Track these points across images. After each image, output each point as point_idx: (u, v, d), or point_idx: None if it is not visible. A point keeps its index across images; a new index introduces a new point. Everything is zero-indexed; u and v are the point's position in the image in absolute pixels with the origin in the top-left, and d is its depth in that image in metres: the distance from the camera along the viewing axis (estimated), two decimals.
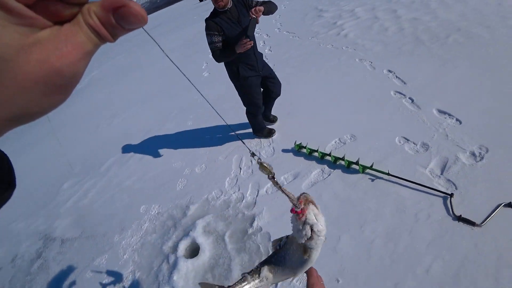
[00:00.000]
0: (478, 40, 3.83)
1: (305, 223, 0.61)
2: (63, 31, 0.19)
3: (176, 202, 2.98)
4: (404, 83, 3.47)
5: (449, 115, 2.83)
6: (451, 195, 2.11)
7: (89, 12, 0.19)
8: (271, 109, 3.40)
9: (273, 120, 3.53)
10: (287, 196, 0.63)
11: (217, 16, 2.38)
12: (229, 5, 2.37)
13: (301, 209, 0.61)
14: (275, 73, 3.06)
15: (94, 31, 0.19)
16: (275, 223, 2.39)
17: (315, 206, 0.63)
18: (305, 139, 3.01)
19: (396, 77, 3.62)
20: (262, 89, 3.03)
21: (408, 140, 2.71)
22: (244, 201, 2.69)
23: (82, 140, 5.44)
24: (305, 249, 0.66)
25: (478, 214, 1.97)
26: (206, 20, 2.42)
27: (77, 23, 0.19)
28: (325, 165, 2.73)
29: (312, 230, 0.61)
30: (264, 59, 5.88)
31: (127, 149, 4.32)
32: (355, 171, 2.56)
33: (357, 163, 2.53)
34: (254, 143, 3.32)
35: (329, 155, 2.71)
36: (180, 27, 14.95)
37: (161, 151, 3.90)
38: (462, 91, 3.06)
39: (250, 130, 3.42)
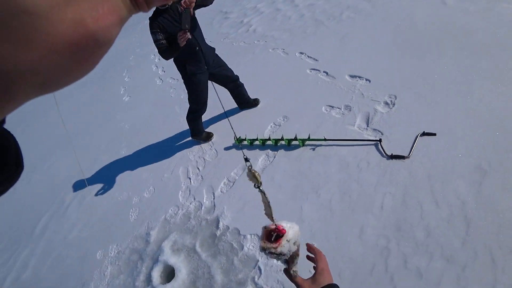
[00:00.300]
0: (365, 13, 4.41)
1: (289, 242, 0.65)
2: None
3: (134, 234, 2.74)
4: (316, 60, 3.80)
5: (359, 77, 3.20)
6: (380, 140, 2.39)
7: None
8: (243, 94, 3.32)
9: (255, 103, 3.44)
10: (269, 214, 0.67)
11: (159, 14, 2.36)
12: (169, 2, 2.30)
13: (282, 229, 0.65)
14: None
15: None
16: (240, 217, 2.38)
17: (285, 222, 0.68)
18: (243, 132, 3.07)
19: (308, 56, 3.94)
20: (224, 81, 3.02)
21: (332, 106, 2.97)
22: (203, 208, 2.61)
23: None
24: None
25: (404, 148, 2.28)
26: (149, 19, 2.39)
27: None
28: (268, 150, 2.82)
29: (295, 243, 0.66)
30: None
31: (60, 199, 3.78)
32: (296, 147, 2.71)
33: (296, 139, 2.69)
34: (195, 150, 3.25)
35: (269, 139, 2.82)
36: None
37: (100, 188, 3.53)
38: (364, 55, 3.49)
39: (189, 139, 3.35)
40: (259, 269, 2.00)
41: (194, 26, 2.44)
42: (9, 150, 0.23)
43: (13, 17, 0.14)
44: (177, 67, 2.75)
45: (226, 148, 3.10)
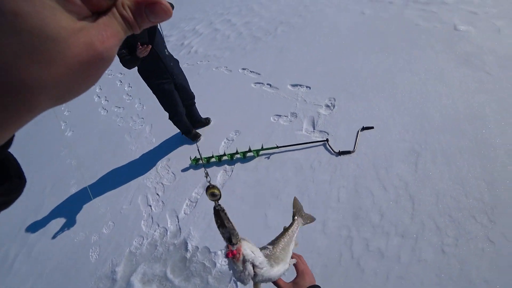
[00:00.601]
0: (297, 26, 4.77)
1: (244, 261, 0.58)
2: (102, 20, 0.21)
3: (97, 274, 2.53)
4: (259, 74, 3.99)
5: (300, 85, 3.44)
6: (327, 140, 2.59)
7: (123, 5, 0.22)
8: (195, 114, 3.36)
9: (207, 122, 3.48)
10: (232, 233, 0.58)
11: None
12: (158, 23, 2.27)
13: (236, 248, 0.58)
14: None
15: (126, 21, 0.22)
16: (207, 235, 2.36)
17: (247, 240, 0.61)
18: (196, 151, 3.07)
19: (251, 71, 4.12)
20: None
21: (280, 115, 3.14)
22: (169, 233, 2.54)
23: None
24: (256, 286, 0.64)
25: (348, 144, 2.50)
26: None
27: (112, 14, 0.21)
28: (225, 165, 2.87)
29: (253, 265, 0.59)
30: (126, 96, 5.65)
31: (3, 255, 3.34)
32: (252, 158, 2.80)
33: (250, 150, 2.77)
34: (152, 177, 3.16)
35: (225, 155, 2.87)
36: None
37: (50, 234, 3.19)
38: (301, 65, 3.76)
39: (143, 166, 3.26)
40: (235, 283, 2.00)
41: (153, 38, 2.44)
42: (10, 163, 0.25)
43: (41, 43, 0.17)
44: (142, 78, 2.76)
45: (183, 170, 3.07)
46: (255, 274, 0.59)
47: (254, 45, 4.83)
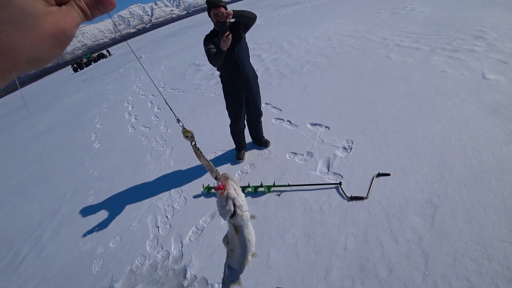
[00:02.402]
0: (322, 66, 4.89)
1: (227, 197, 0.65)
2: (64, 8, 0.29)
3: (96, 287, 2.55)
4: (280, 110, 4.07)
5: (319, 125, 3.45)
6: (340, 183, 2.53)
7: None
8: (257, 130, 3.40)
9: (266, 143, 3.45)
10: (210, 169, 0.69)
11: (214, 35, 2.67)
12: (228, 26, 2.55)
13: (223, 184, 0.66)
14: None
15: (81, 10, 0.30)
16: (208, 265, 2.32)
17: (235, 182, 0.68)
18: (211, 180, 3.11)
19: (273, 107, 4.22)
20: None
21: (296, 153, 3.14)
22: (171, 257, 2.52)
23: None
24: (236, 228, 0.70)
25: (362, 189, 2.42)
26: (205, 36, 2.72)
27: (71, 5, 0.29)
28: None
29: (234, 204, 0.66)
30: (154, 117, 5.93)
31: (15, 251, 3.45)
32: (263, 193, 2.78)
33: (261, 185, 2.77)
34: (164, 199, 3.22)
35: None
36: (55, 100, 13.66)
37: (61, 239, 3.30)
38: (323, 105, 3.81)
39: (158, 187, 3.34)
40: None
41: (236, 42, 2.70)
42: None
43: (23, 16, 0.25)
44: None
45: (195, 196, 3.10)
46: (235, 213, 0.65)
47: (280, 81, 4.98)
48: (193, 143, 0.68)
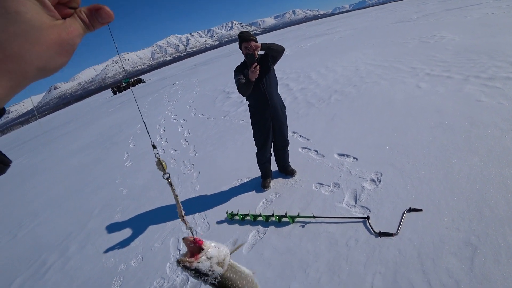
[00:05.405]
0: (351, 96, 4.88)
1: (211, 260, 0.58)
2: (67, 21, 0.32)
3: None
4: (307, 139, 4.06)
5: (347, 155, 3.38)
6: (368, 217, 2.42)
7: (81, 11, 0.33)
8: (283, 159, 3.42)
9: (292, 172, 3.43)
10: (180, 215, 0.61)
11: (244, 67, 2.82)
12: (256, 57, 2.71)
13: (199, 240, 0.58)
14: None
15: (83, 22, 0.33)
16: None
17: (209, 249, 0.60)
18: (235, 206, 3.10)
19: (300, 136, 4.22)
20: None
21: (322, 184, 3.07)
22: (189, 283, 2.49)
23: None
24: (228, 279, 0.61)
25: (392, 225, 2.29)
26: (236, 68, 2.89)
27: (74, 17, 0.32)
28: (259, 226, 2.82)
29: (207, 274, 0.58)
30: (183, 140, 6.14)
31: (42, 260, 3.58)
32: (286, 223, 2.72)
33: (286, 215, 2.71)
34: (189, 221, 3.20)
35: (260, 215, 2.84)
36: (94, 120, 14.53)
37: (86, 252, 3.40)
38: (351, 135, 3.75)
39: (179, 221, 3.39)
40: None
41: (265, 73, 2.83)
42: None
43: (31, 30, 0.28)
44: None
45: (218, 222, 3.09)
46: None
47: (307, 110, 5.00)
48: (166, 176, 0.59)
